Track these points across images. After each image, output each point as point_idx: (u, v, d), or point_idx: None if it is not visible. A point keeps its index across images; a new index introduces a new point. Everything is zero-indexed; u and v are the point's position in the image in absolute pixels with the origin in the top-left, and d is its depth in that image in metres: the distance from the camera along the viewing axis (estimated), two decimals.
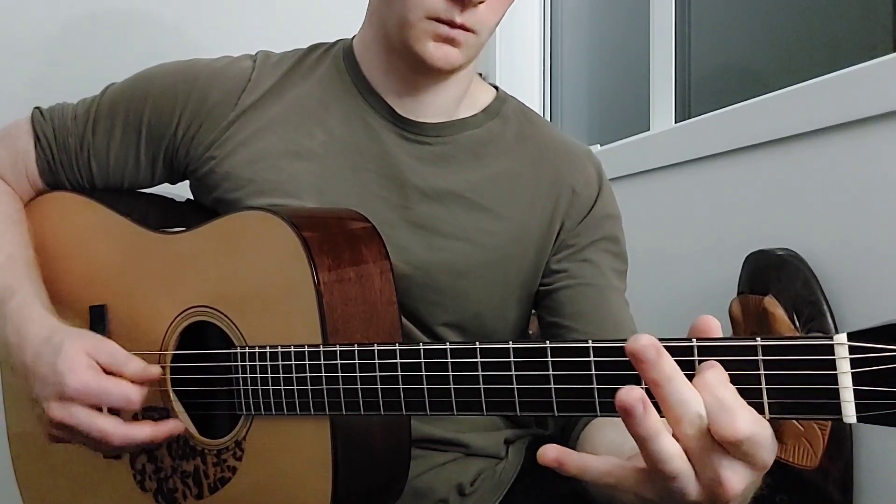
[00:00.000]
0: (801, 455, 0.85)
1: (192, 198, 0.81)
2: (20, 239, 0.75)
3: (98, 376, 0.62)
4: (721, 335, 0.44)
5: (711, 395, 0.41)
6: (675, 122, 1.31)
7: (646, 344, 0.41)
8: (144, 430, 0.64)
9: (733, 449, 0.41)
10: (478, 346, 0.50)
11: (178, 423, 0.66)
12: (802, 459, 0.85)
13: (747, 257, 0.96)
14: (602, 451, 0.65)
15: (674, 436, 0.42)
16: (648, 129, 1.36)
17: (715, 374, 0.41)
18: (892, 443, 0.80)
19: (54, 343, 0.64)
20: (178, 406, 0.68)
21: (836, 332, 0.84)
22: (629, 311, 0.78)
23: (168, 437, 0.66)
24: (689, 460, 0.42)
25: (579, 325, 0.75)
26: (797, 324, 0.88)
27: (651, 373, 0.41)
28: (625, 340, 0.43)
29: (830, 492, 0.83)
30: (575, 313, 0.75)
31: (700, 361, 0.43)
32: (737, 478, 0.41)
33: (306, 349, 0.59)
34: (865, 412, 0.40)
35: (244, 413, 0.64)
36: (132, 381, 0.63)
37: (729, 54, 1.26)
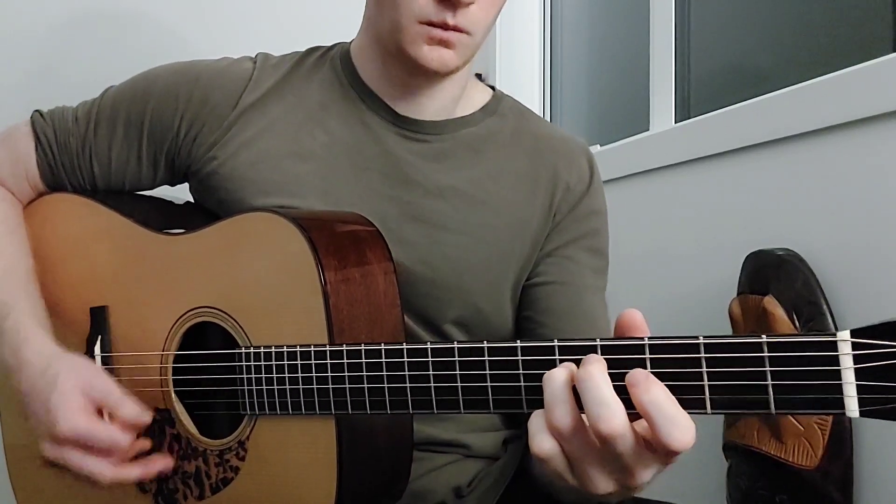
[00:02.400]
0: (801, 455, 0.85)
1: (191, 200, 0.81)
2: (18, 248, 0.74)
3: (88, 421, 0.63)
4: (643, 328, 0.47)
5: (658, 410, 0.43)
6: (675, 122, 1.31)
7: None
8: (133, 472, 0.65)
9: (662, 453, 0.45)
10: (485, 345, 0.51)
11: (168, 460, 0.67)
12: (802, 459, 0.85)
13: (747, 257, 0.96)
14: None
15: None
16: (648, 129, 1.36)
17: (661, 390, 0.44)
18: (892, 443, 0.80)
19: (49, 377, 0.64)
20: (179, 407, 0.68)
21: (837, 331, 0.84)
22: (604, 310, 0.78)
23: (158, 476, 0.67)
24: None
25: (551, 321, 0.76)
26: (797, 324, 0.88)
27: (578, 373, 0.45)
28: (635, 338, 0.45)
29: (830, 492, 0.83)
30: (547, 310, 0.76)
31: (706, 360, 0.44)
32: (649, 473, 0.46)
33: (312, 349, 0.59)
34: (868, 406, 0.41)
35: (248, 413, 0.64)
36: (123, 426, 0.64)
37: (729, 54, 1.26)
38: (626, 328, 0.48)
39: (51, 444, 0.63)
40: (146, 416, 0.65)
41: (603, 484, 0.47)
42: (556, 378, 0.46)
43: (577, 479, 0.47)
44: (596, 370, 0.45)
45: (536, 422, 0.46)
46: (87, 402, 0.63)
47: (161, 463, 0.66)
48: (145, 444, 0.67)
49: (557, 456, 0.46)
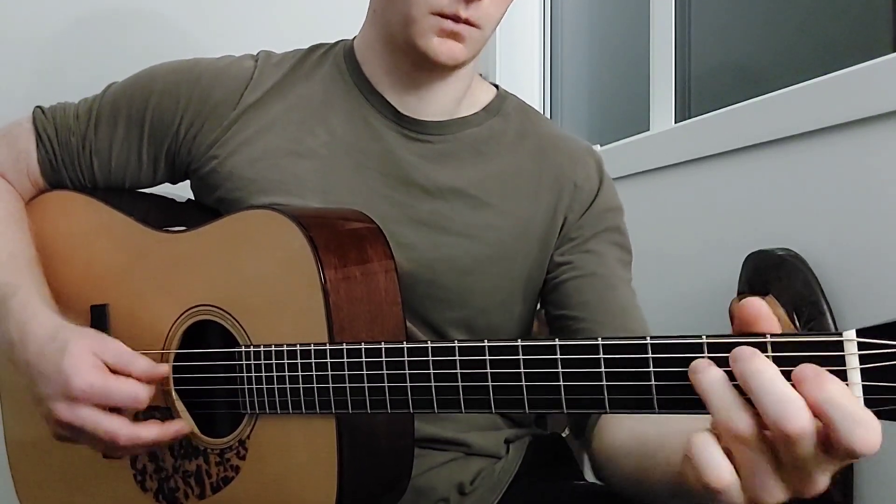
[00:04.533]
0: None
1: (192, 197, 0.81)
2: (22, 237, 0.74)
3: (104, 376, 0.62)
4: (770, 317, 0.43)
5: (838, 409, 0.38)
6: (675, 122, 1.31)
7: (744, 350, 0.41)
8: (151, 431, 0.63)
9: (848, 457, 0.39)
10: (486, 344, 0.50)
11: (185, 424, 0.66)
12: None
13: (747, 257, 0.96)
14: (622, 441, 0.65)
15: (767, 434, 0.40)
16: (648, 129, 1.36)
17: (838, 386, 0.39)
18: (892, 443, 0.80)
19: (59, 341, 0.63)
20: (180, 405, 0.68)
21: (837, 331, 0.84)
22: (636, 301, 0.78)
23: (175, 438, 0.65)
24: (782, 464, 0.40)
25: (586, 314, 0.75)
26: (797, 324, 0.88)
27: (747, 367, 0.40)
28: (637, 337, 0.44)
29: (830, 492, 0.83)
30: (582, 303, 0.75)
31: (710, 359, 0.43)
32: (828, 476, 0.41)
33: (312, 348, 0.59)
34: (873, 407, 0.40)
35: (248, 412, 0.64)
36: (139, 380, 0.63)
37: (729, 54, 1.26)
38: (749, 321, 0.43)
39: (65, 404, 0.61)
40: (161, 369, 0.64)
41: (778, 495, 0.41)
42: (717, 381, 0.41)
43: (748, 493, 0.41)
44: (765, 363, 0.40)
45: (709, 450, 0.40)
46: (99, 360, 0.62)
47: (178, 425, 0.65)
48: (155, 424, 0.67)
49: (735, 481, 0.40)
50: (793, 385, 0.40)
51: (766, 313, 0.43)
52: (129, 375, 0.63)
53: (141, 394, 0.62)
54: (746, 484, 0.41)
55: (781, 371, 0.41)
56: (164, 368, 0.65)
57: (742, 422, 0.40)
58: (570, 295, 0.76)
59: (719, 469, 0.40)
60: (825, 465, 0.40)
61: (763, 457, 0.40)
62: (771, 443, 0.40)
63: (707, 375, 0.42)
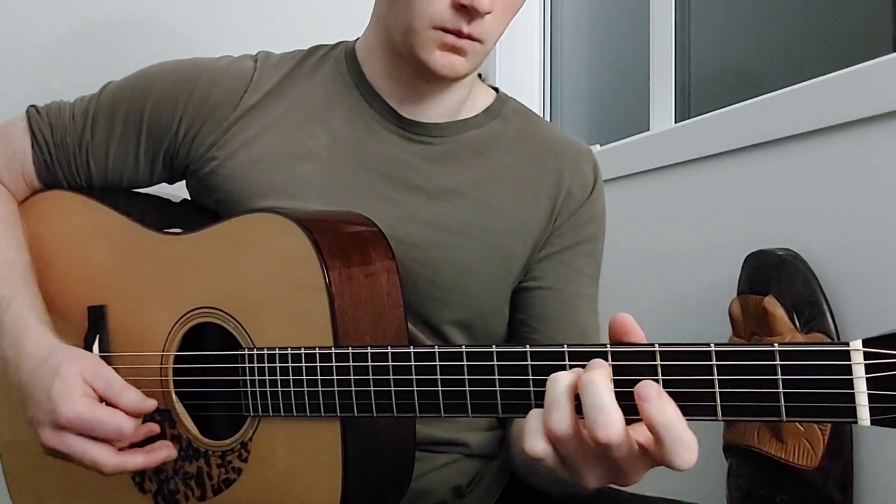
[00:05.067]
0: (801, 455, 0.85)
1: (188, 198, 0.81)
2: (16, 243, 0.74)
3: (92, 406, 0.62)
4: (638, 331, 0.48)
5: (671, 432, 0.44)
6: (675, 122, 1.31)
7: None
8: (136, 460, 0.64)
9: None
10: (494, 349, 0.51)
11: (172, 449, 0.66)
12: (802, 459, 0.85)
13: (747, 257, 0.96)
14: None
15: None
16: (648, 129, 1.36)
17: (675, 411, 0.44)
18: (892, 443, 0.80)
19: (51, 365, 0.63)
20: (180, 407, 0.68)
21: (837, 331, 0.85)
22: (596, 319, 0.79)
23: (161, 463, 0.66)
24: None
25: (542, 327, 0.76)
26: (797, 324, 0.88)
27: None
28: (642, 345, 0.45)
29: (830, 492, 0.83)
30: (540, 316, 0.77)
31: (718, 367, 0.44)
32: (642, 473, 0.48)
33: (318, 351, 0.59)
34: (879, 416, 0.41)
35: (251, 414, 0.63)
36: (126, 413, 0.63)
37: (729, 55, 1.26)
38: (620, 333, 0.48)
39: (52, 430, 0.62)
40: (149, 404, 0.64)
41: (594, 482, 0.48)
42: (560, 381, 0.46)
43: (568, 473, 0.48)
44: (598, 376, 0.45)
45: (533, 422, 0.47)
46: (89, 388, 0.62)
47: (165, 451, 0.66)
48: (154, 427, 0.67)
49: (550, 456, 0.47)
50: (635, 400, 0.44)
51: (632, 327, 0.48)
52: (116, 406, 0.63)
53: (126, 427, 0.62)
54: (566, 468, 0.47)
55: (787, 379, 0.43)
56: (151, 403, 0.65)
57: (555, 421, 0.46)
58: (533, 304, 0.77)
59: (535, 440, 0.47)
60: (641, 465, 0.46)
61: (577, 449, 0.46)
62: (585, 441, 0.46)
63: (551, 378, 0.47)
